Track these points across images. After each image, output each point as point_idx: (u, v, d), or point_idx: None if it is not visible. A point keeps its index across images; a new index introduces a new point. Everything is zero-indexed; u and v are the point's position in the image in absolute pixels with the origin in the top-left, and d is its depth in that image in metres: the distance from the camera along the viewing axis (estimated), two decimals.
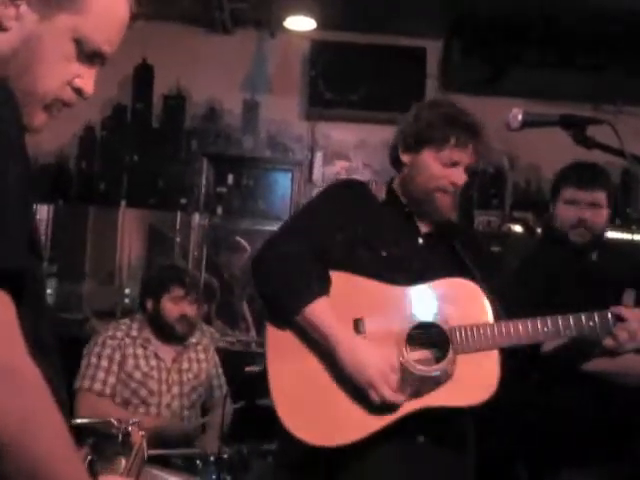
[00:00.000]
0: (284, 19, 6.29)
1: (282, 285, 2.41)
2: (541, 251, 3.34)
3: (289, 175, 6.52)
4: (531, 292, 2.86)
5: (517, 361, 2.45)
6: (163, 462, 3.12)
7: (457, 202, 2.59)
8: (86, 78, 1.34)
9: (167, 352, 3.75)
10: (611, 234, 5.62)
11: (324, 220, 2.52)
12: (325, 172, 6.72)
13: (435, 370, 2.36)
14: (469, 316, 2.41)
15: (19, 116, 1.18)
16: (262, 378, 2.47)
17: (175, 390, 3.71)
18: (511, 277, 3.00)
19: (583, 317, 2.39)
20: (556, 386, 2.82)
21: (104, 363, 3.60)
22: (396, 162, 2.61)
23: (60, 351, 1.30)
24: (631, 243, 6.06)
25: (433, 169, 2.49)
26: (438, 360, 2.38)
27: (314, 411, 2.38)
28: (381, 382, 2.30)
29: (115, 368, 3.62)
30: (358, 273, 2.45)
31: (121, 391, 3.61)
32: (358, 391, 2.35)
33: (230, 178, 6.39)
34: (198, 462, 3.24)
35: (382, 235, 2.53)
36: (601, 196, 3.05)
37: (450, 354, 2.36)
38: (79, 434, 1.18)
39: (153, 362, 3.69)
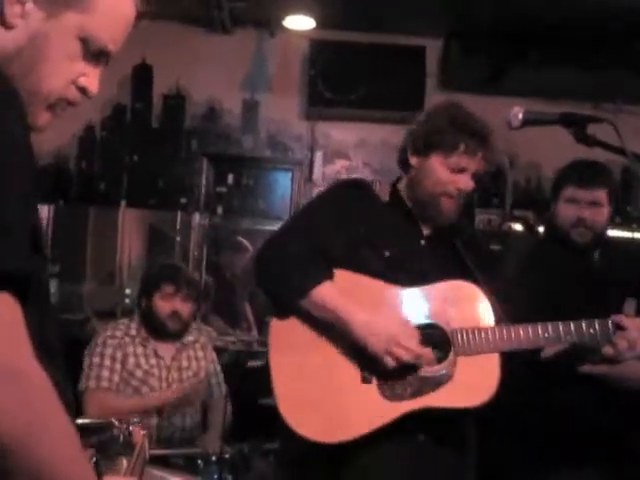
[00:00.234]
0: (283, 18, 6.29)
1: (286, 274, 2.43)
2: (541, 250, 3.34)
3: (289, 174, 6.52)
4: (531, 292, 2.85)
5: (517, 364, 2.45)
6: (164, 462, 3.12)
7: (461, 207, 2.59)
8: (91, 77, 1.33)
9: (166, 350, 3.77)
10: (611, 232, 5.62)
11: (327, 219, 2.52)
12: (325, 171, 6.72)
13: (436, 371, 2.38)
14: (471, 319, 2.42)
15: (24, 115, 1.17)
16: (264, 377, 2.48)
17: (175, 388, 3.73)
18: (511, 277, 3.00)
19: (584, 324, 2.40)
20: (555, 387, 2.82)
21: (107, 362, 3.62)
22: (404, 164, 2.62)
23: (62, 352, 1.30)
24: (632, 241, 6.06)
25: (440, 174, 2.49)
26: (439, 361, 2.39)
27: (316, 407, 2.39)
28: (402, 335, 2.32)
29: (118, 366, 3.64)
30: (361, 272, 2.45)
31: (123, 389, 3.62)
32: (361, 387, 2.36)
33: (230, 178, 6.39)
34: (199, 462, 3.24)
35: (385, 235, 2.53)
36: (602, 194, 3.04)
37: (451, 356, 2.38)
38: (82, 434, 1.16)
39: (153, 360, 3.72)
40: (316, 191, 6.48)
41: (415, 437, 2.42)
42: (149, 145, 6.46)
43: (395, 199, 2.63)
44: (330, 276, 2.41)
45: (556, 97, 5.39)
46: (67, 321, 5.65)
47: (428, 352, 2.35)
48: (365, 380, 2.39)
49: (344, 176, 6.48)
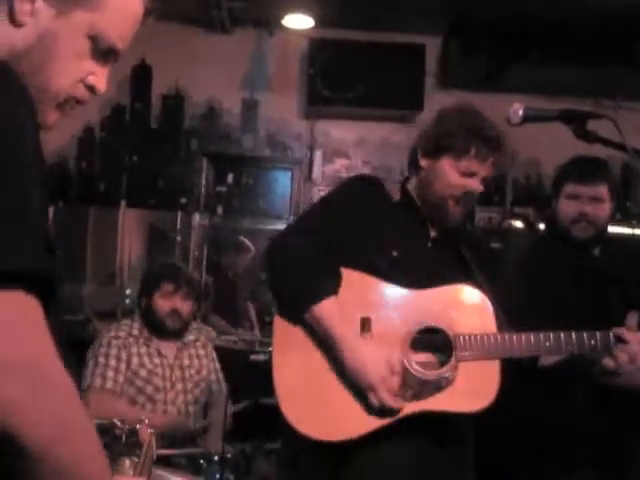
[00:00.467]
0: (282, 18, 6.29)
1: (292, 282, 2.44)
2: (541, 247, 3.34)
3: (289, 174, 6.52)
4: (531, 290, 2.86)
5: (516, 370, 2.45)
6: (166, 462, 3.12)
7: (468, 210, 2.60)
8: (99, 76, 1.32)
9: (168, 349, 3.79)
10: (611, 229, 5.62)
11: (338, 217, 2.52)
12: (325, 170, 6.72)
13: (437, 375, 2.38)
14: (474, 325, 2.42)
15: (34, 113, 1.16)
16: (265, 377, 2.48)
17: (179, 386, 3.74)
18: (511, 275, 3.00)
19: (585, 335, 2.40)
20: (554, 391, 2.82)
21: (112, 362, 3.62)
22: (414, 164, 2.60)
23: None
24: (632, 238, 6.06)
25: (450, 177, 2.49)
26: (441, 365, 2.40)
27: (316, 406, 2.39)
28: (381, 386, 2.33)
29: (123, 367, 3.65)
30: (368, 272, 2.45)
31: (127, 389, 3.63)
32: (360, 389, 2.37)
33: (230, 177, 6.38)
34: (201, 462, 3.24)
35: (393, 235, 2.53)
36: (603, 190, 3.04)
37: (452, 360, 2.38)
38: None
39: (156, 360, 3.73)
40: (316, 190, 6.49)
41: (414, 439, 2.42)
42: (149, 145, 6.46)
43: (405, 199, 2.63)
44: (335, 289, 2.41)
45: (556, 94, 5.38)
46: (68, 322, 5.65)
47: (397, 403, 2.35)
48: None
49: (344, 175, 6.48)
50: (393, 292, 2.45)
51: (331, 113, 6.51)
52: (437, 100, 5.98)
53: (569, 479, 2.91)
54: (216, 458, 3.23)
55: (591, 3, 5.27)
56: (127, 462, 2.25)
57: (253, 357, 3.88)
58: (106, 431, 2.67)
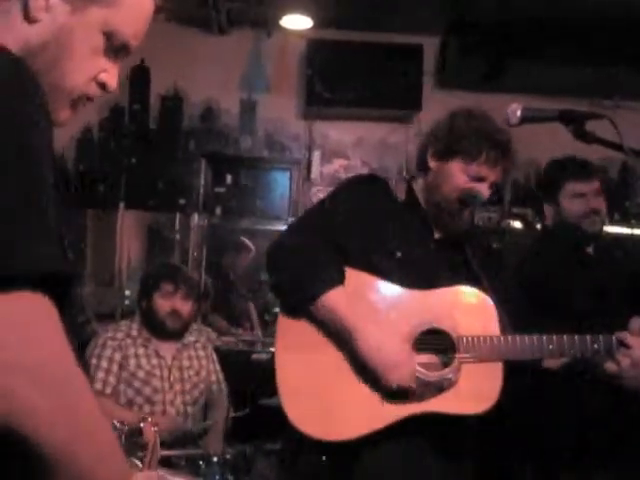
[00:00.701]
0: (280, 18, 6.28)
1: (298, 273, 2.42)
2: (541, 247, 3.35)
3: (287, 174, 6.51)
4: (531, 288, 2.86)
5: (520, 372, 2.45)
6: (166, 463, 3.12)
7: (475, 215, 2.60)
8: (111, 73, 1.32)
9: (167, 350, 3.79)
10: (610, 228, 5.63)
11: (342, 217, 2.50)
12: (323, 171, 6.72)
13: (439, 376, 2.38)
14: (477, 326, 2.42)
15: (48, 111, 1.15)
16: (265, 377, 2.48)
17: (177, 387, 3.74)
18: (512, 274, 3.01)
19: (588, 338, 2.40)
20: (561, 388, 2.82)
21: (104, 364, 3.62)
22: (422, 165, 2.60)
23: None
24: (630, 237, 6.07)
25: (458, 180, 2.48)
26: (444, 366, 2.39)
27: (319, 405, 2.39)
28: (397, 368, 2.32)
29: (115, 368, 3.64)
30: (371, 272, 2.45)
31: (125, 391, 3.63)
32: (363, 388, 2.36)
33: (228, 178, 6.37)
34: (201, 463, 3.24)
35: (398, 236, 2.52)
36: (599, 184, 3.17)
37: (455, 362, 2.38)
38: None
39: (155, 361, 3.73)
40: (314, 190, 6.49)
41: (415, 439, 2.42)
42: (147, 146, 6.44)
43: (411, 199, 2.62)
44: (341, 280, 2.40)
45: (554, 94, 5.38)
46: None
47: (414, 388, 2.35)
48: (368, 380, 2.39)
49: (342, 175, 6.48)
50: (396, 292, 2.45)
51: (329, 113, 6.51)
52: (435, 100, 5.99)
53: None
54: (216, 459, 3.23)
55: (590, 3, 5.27)
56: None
57: (255, 356, 3.89)
58: None
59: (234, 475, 3.24)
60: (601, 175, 3.31)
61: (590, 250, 3.21)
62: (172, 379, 3.74)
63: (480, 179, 2.48)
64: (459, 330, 2.40)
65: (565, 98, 5.21)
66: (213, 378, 3.92)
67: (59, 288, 1.04)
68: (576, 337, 2.40)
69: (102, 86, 1.32)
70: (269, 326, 5.77)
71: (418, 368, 2.36)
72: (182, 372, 3.79)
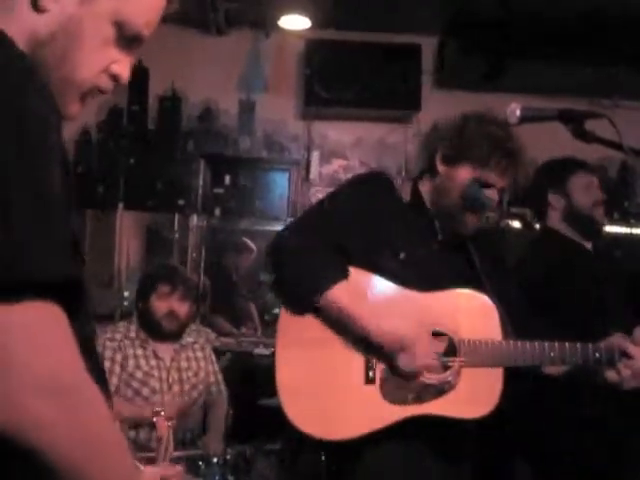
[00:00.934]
0: (278, 18, 6.28)
1: (302, 272, 2.40)
2: (540, 247, 3.35)
3: (286, 174, 6.50)
4: (532, 289, 2.86)
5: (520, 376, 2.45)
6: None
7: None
8: (123, 64, 1.29)
9: (165, 351, 3.79)
10: (609, 228, 5.63)
11: (346, 216, 2.48)
12: (322, 171, 6.71)
13: (439, 379, 2.37)
14: (480, 330, 2.41)
15: (54, 104, 1.12)
16: (265, 378, 2.47)
17: (175, 388, 3.74)
18: (511, 274, 3.01)
19: (590, 347, 2.40)
20: (561, 393, 2.82)
21: (106, 364, 3.62)
22: (430, 167, 2.58)
23: None
24: (629, 236, 6.07)
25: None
26: (445, 369, 2.39)
27: (317, 403, 2.38)
28: (417, 345, 2.32)
29: (117, 369, 3.64)
30: (374, 272, 2.43)
31: (124, 391, 3.63)
32: (363, 387, 2.36)
33: (227, 179, 6.36)
34: (201, 463, 3.24)
35: (402, 236, 2.51)
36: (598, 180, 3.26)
37: (456, 365, 2.37)
38: None
39: (153, 362, 3.73)
40: (313, 190, 6.48)
41: (414, 441, 2.41)
42: (146, 147, 6.43)
43: (416, 200, 2.60)
44: (345, 275, 2.38)
45: (553, 94, 5.38)
46: None
47: (437, 363, 2.34)
48: (369, 380, 2.38)
49: (341, 175, 6.48)
50: (398, 294, 2.43)
51: (328, 114, 6.51)
52: (434, 100, 5.99)
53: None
54: (215, 460, 3.23)
55: (589, 3, 5.27)
56: None
57: (257, 351, 3.88)
58: None
59: (234, 475, 3.24)
60: (597, 174, 3.35)
61: (590, 247, 3.22)
62: (171, 380, 3.74)
63: (489, 185, 2.48)
64: (461, 333, 2.39)
65: (564, 97, 5.21)
66: (212, 379, 3.92)
67: (70, 294, 1.02)
68: (578, 345, 2.39)
69: (114, 78, 1.29)
70: (269, 326, 5.78)
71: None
72: (181, 373, 3.78)
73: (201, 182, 6.32)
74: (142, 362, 3.72)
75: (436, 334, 2.41)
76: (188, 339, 3.89)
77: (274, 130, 6.68)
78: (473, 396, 2.38)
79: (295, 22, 6.32)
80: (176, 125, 6.51)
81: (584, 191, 3.18)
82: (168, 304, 3.77)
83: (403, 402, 2.35)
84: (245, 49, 6.61)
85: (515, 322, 2.45)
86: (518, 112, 2.10)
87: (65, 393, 0.99)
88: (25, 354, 0.97)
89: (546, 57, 5.80)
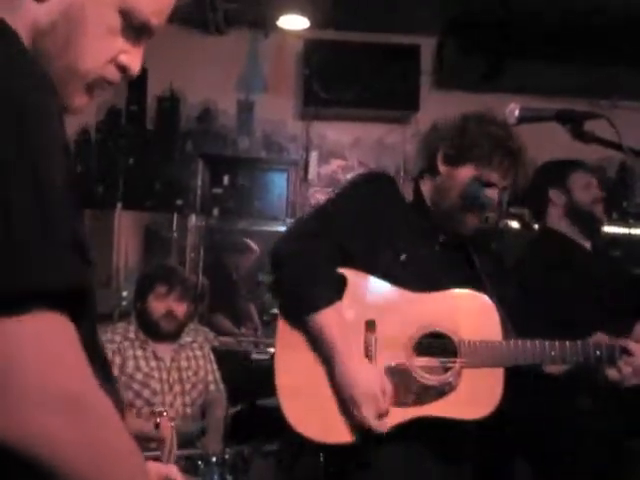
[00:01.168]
0: (277, 19, 6.28)
1: (299, 284, 2.38)
2: (539, 245, 3.35)
3: (285, 175, 6.49)
4: (531, 288, 2.86)
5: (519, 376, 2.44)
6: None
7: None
8: (132, 55, 1.23)
9: (165, 351, 3.78)
10: (608, 228, 5.64)
11: (348, 217, 2.46)
12: (321, 171, 6.71)
13: (440, 380, 2.36)
14: (480, 331, 2.40)
15: (57, 99, 1.08)
16: (264, 378, 2.47)
17: (177, 388, 3.74)
18: (511, 274, 3.01)
19: (591, 345, 2.39)
20: (561, 393, 2.82)
21: None
22: (431, 168, 2.57)
23: None
24: (628, 237, 6.07)
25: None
26: (445, 370, 2.37)
27: (319, 407, 2.36)
28: (365, 405, 2.28)
29: (116, 371, 3.62)
30: (376, 273, 2.42)
31: (124, 394, 3.61)
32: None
33: (226, 179, 6.36)
34: (200, 463, 3.23)
35: (404, 237, 2.50)
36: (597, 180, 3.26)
37: (457, 366, 2.36)
38: None
39: (153, 363, 3.72)
40: (312, 191, 6.48)
41: (415, 443, 2.40)
42: (144, 147, 6.43)
43: (418, 200, 2.59)
44: (339, 296, 2.36)
45: (552, 94, 5.38)
46: None
47: (380, 427, 2.31)
48: None
49: (340, 175, 6.48)
50: (400, 295, 2.42)
51: (327, 114, 6.51)
52: (433, 101, 5.99)
53: None
54: (214, 459, 3.23)
55: (588, 3, 5.27)
56: None
57: (255, 355, 3.89)
58: None
59: (232, 475, 3.23)
60: (596, 174, 3.37)
61: (589, 247, 3.22)
62: (171, 380, 3.74)
63: (490, 185, 2.47)
64: (461, 333, 2.38)
65: (563, 98, 5.21)
66: (210, 378, 3.92)
67: (75, 300, 0.99)
68: (579, 343, 2.38)
69: (123, 69, 1.23)
70: (268, 326, 5.78)
71: (419, 372, 2.35)
72: (181, 373, 3.78)
73: (200, 182, 6.31)
74: (142, 363, 3.71)
75: (436, 335, 2.39)
76: (187, 338, 3.89)
77: (273, 130, 6.68)
78: (474, 397, 2.36)
79: (294, 22, 6.32)
80: (175, 125, 6.51)
81: (584, 189, 3.19)
82: (166, 304, 3.77)
83: (404, 404, 2.34)
84: (244, 49, 6.61)
85: (514, 323, 2.44)
86: (517, 112, 2.11)
87: (75, 406, 0.96)
88: (31, 368, 0.94)
89: (545, 57, 5.80)
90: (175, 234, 6.32)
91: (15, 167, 0.95)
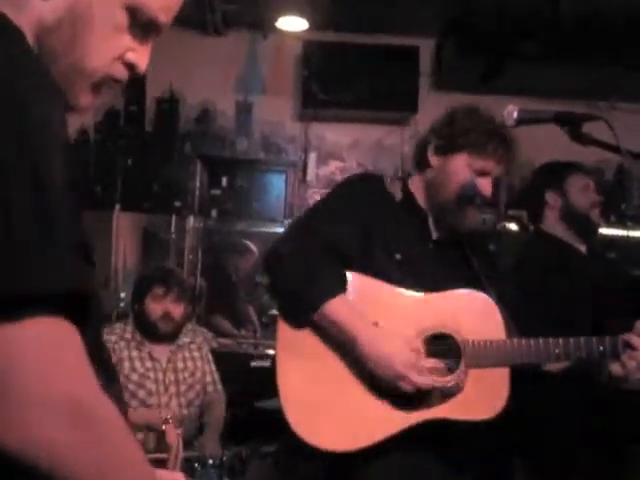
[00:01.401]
0: (276, 20, 6.27)
1: (299, 282, 2.34)
2: (536, 247, 3.35)
3: (283, 176, 6.49)
4: (530, 290, 2.86)
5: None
6: (161, 466, 3.11)
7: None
8: (140, 53, 1.21)
9: (161, 352, 3.78)
10: (606, 230, 5.64)
11: (340, 219, 2.44)
12: (319, 172, 6.71)
13: (446, 382, 2.32)
14: (483, 330, 2.38)
15: (60, 98, 1.07)
16: (264, 379, 2.45)
17: (172, 389, 3.74)
18: (509, 276, 3.01)
19: (594, 340, 2.38)
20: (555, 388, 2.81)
21: None
22: (421, 162, 2.56)
23: None
24: (626, 239, 6.07)
25: (463, 176, 2.45)
26: (450, 371, 2.35)
27: (322, 414, 2.32)
28: (410, 371, 2.25)
29: None
30: (373, 274, 2.39)
31: None
32: (371, 396, 2.31)
33: (224, 180, 6.35)
34: (197, 465, 3.23)
35: (397, 237, 2.48)
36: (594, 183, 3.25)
37: (462, 367, 2.34)
38: None
39: (149, 363, 3.73)
40: (310, 192, 6.48)
41: (419, 446, 2.36)
42: (143, 149, 6.43)
43: (407, 198, 2.57)
44: (343, 287, 2.34)
45: (551, 96, 5.39)
46: None
47: (430, 381, 2.29)
48: (374, 387, 2.33)
49: (338, 177, 6.47)
50: (400, 296, 2.40)
51: (325, 115, 6.50)
52: (432, 102, 5.98)
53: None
54: (211, 461, 3.23)
55: (587, 5, 5.27)
56: None
57: (254, 364, 3.89)
58: None
59: (230, 477, 3.23)
60: (594, 177, 3.37)
61: (584, 250, 3.22)
62: (167, 381, 3.74)
63: (484, 173, 2.45)
64: (464, 334, 2.36)
65: (561, 100, 5.22)
66: (208, 379, 3.92)
67: (78, 304, 0.96)
68: (582, 339, 2.37)
69: (130, 67, 1.21)
70: (267, 328, 5.78)
71: (428, 374, 2.32)
72: (177, 374, 3.78)
73: (198, 183, 6.31)
74: (137, 364, 3.71)
75: (439, 336, 2.38)
76: (185, 339, 3.89)
77: (271, 132, 6.68)
78: (482, 397, 2.34)
79: (293, 24, 6.32)
80: (173, 126, 6.50)
81: (581, 192, 3.18)
82: (163, 306, 3.77)
83: (412, 408, 2.31)
84: (243, 50, 6.61)
85: (514, 324, 2.44)
86: (515, 114, 2.11)
87: (77, 411, 0.94)
88: (32, 373, 0.92)
89: (543, 59, 5.80)
90: (173, 235, 6.31)
91: (15, 167, 0.94)
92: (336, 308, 2.30)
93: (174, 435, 2.96)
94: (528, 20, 5.54)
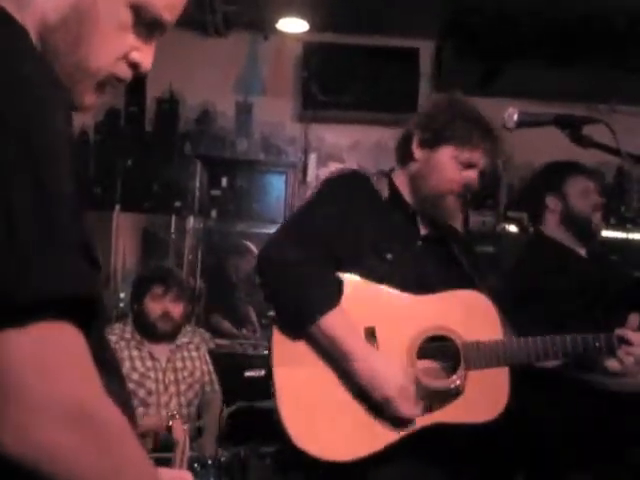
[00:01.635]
0: (277, 21, 6.28)
1: (294, 295, 2.30)
2: (535, 250, 3.35)
3: (283, 177, 6.50)
4: (529, 292, 2.86)
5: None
6: (160, 466, 3.10)
7: (464, 207, 2.54)
8: (144, 52, 1.19)
9: (161, 352, 3.79)
10: (606, 233, 5.64)
11: (329, 220, 2.39)
12: (319, 174, 6.70)
13: (447, 384, 2.31)
14: (481, 331, 2.36)
15: (64, 97, 1.05)
16: (263, 380, 2.44)
17: (172, 389, 3.74)
18: (508, 277, 3.01)
19: (590, 337, 2.38)
20: (556, 393, 2.81)
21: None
22: (405, 156, 2.53)
23: None
24: (626, 241, 6.08)
25: (449, 168, 2.42)
26: (448, 373, 2.33)
27: (320, 422, 2.29)
28: (400, 398, 2.23)
29: None
30: (364, 275, 2.36)
31: None
32: (367, 405, 2.29)
33: (224, 181, 6.36)
34: (196, 465, 3.23)
35: (387, 236, 2.45)
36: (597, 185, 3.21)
37: (461, 369, 2.32)
38: None
39: (149, 363, 3.73)
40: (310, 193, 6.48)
41: (422, 451, 2.33)
42: (143, 149, 6.44)
43: (394, 195, 2.53)
44: (338, 299, 2.30)
45: (551, 98, 5.39)
46: None
47: (417, 413, 2.28)
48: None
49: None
50: (395, 298, 2.37)
51: (325, 116, 6.51)
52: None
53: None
54: (210, 461, 3.22)
55: (586, 7, 5.27)
56: None
57: (248, 374, 3.89)
58: None
59: (229, 477, 3.23)
60: (595, 178, 3.34)
61: (584, 253, 3.22)
62: (167, 381, 3.75)
63: (471, 165, 2.43)
64: (462, 335, 2.34)
65: (562, 102, 5.22)
66: (206, 379, 3.92)
67: (83, 307, 0.95)
68: (578, 337, 2.37)
69: (134, 66, 1.20)
70: (266, 329, 5.78)
71: (425, 377, 2.30)
72: (176, 373, 3.79)
73: (198, 184, 6.32)
74: (138, 363, 3.72)
75: (438, 338, 2.36)
76: (183, 339, 3.90)
77: (271, 132, 6.68)
78: (482, 398, 2.33)
79: (293, 25, 6.33)
80: (173, 127, 6.51)
81: (582, 195, 3.17)
82: (162, 305, 3.78)
83: (419, 408, 2.29)
84: (243, 51, 6.62)
85: (513, 325, 2.44)
86: (516, 117, 2.11)
87: (79, 415, 0.93)
88: (34, 376, 0.90)
89: (543, 61, 5.80)
90: (173, 236, 6.32)
91: (17, 167, 0.93)
92: (332, 323, 2.27)
93: (181, 431, 2.96)
94: (528, 22, 5.54)
